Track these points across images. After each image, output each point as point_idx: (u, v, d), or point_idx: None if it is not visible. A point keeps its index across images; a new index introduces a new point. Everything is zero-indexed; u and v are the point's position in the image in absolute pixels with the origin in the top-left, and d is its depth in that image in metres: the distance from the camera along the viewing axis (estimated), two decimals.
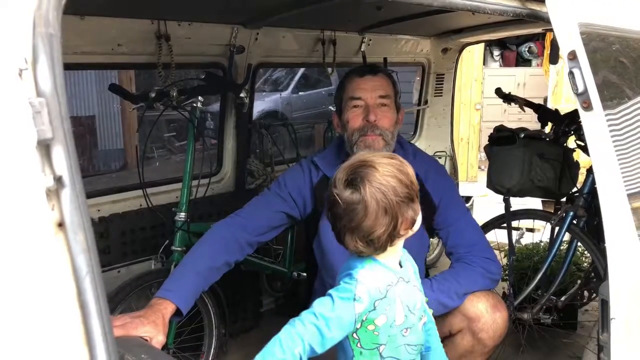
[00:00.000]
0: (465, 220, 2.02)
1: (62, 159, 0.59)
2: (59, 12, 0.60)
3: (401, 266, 1.37)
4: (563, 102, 6.54)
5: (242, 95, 2.69)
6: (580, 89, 1.42)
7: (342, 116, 2.03)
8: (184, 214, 2.48)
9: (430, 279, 1.83)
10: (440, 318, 1.84)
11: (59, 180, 0.59)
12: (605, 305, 1.46)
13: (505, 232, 2.96)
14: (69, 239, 0.59)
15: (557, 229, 2.73)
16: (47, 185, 0.59)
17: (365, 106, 1.95)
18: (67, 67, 3.57)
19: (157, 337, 1.52)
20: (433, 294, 1.75)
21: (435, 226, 2.03)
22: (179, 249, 2.44)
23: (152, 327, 1.53)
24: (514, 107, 3.13)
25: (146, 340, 1.50)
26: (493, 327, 1.81)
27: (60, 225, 0.60)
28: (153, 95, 2.38)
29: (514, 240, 3.01)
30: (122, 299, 2.28)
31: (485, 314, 1.81)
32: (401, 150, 2.06)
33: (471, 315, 1.81)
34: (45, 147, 0.59)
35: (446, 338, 1.89)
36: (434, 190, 2.01)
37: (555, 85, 6.94)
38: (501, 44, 8.95)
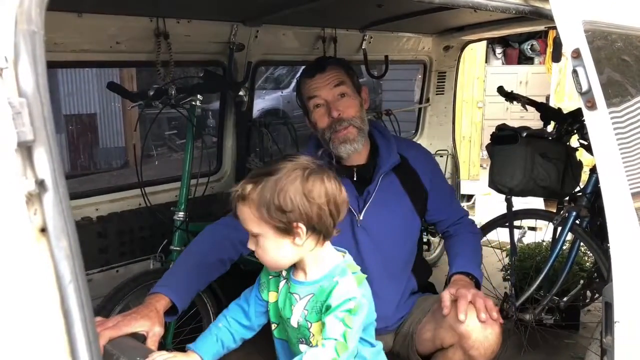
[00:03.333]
0: (454, 198, 2.26)
1: (45, 162, 0.57)
2: (42, 8, 0.58)
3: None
4: (566, 100, 6.51)
5: (241, 93, 2.66)
6: (584, 87, 1.39)
7: (309, 118, 2.04)
8: (182, 213, 2.46)
9: (470, 258, 2.00)
10: (432, 331, 1.86)
11: (41, 184, 0.57)
12: (609, 308, 1.43)
13: (507, 231, 2.93)
14: (51, 245, 0.57)
15: (559, 229, 2.70)
16: (29, 189, 0.56)
17: (326, 103, 1.95)
18: (65, 64, 3.56)
19: (153, 329, 1.49)
20: (478, 271, 1.93)
21: (431, 210, 2.12)
22: (177, 248, 2.42)
23: (145, 320, 1.49)
24: (517, 106, 3.10)
25: (143, 335, 1.48)
26: (484, 344, 1.74)
27: (43, 230, 0.57)
28: (152, 93, 2.36)
29: (515, 239, 2.98)
30: (120, 299, 2.26)
31: (476, 330, 1.73)
32: (381, 136, 2.08)
33: (462, 332, 1.73)
34: (26, 149, 0.56)
35: (438, 351, 1.87)
36: (424, 175, 2.08)
37: (558, 83, 6.91)
38: (504, 41, 8.91)
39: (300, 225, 1.28)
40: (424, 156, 2.17)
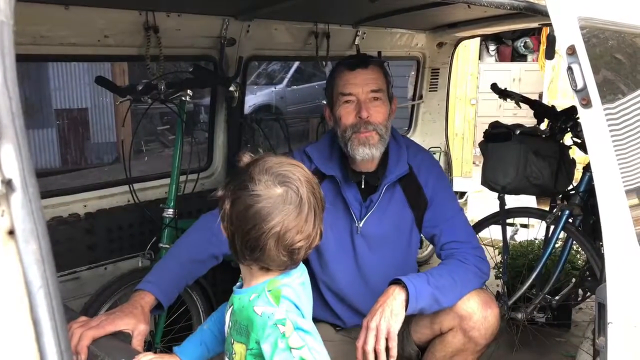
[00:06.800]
0: (459, 218, 1.99)
1: (12, 160, 0.53)
2: None
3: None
4: (559, 97, 6.52)
5: (232, 88, 2.62)
6: (580, 85, 1.37)
7: (333, 110, 1.96)
8: (171, 210, 2.43)
9: (425, 273, 1.77)
10: (430, 316, 1.82)
11: (8, 183, 0.53)
12: (602, 308, 1.41)
13: (499, 228, 2.92)
14: (20, 249, 0.54)
15: (552, 227, 2.69)
16: None
17: (357, 102, 1.88)
18: (52, 58, 3.50)
19: (138, 327, 1.46)
20: (429, 288, 1.69)
21: (426, 222, 1.99)
22: (166, 245, 2.39)
23: (130, 318, 1.47)
24: (510, 103, 3.09)
25: (129, 333, 1.45)
26: (485, 325, 1.77)
27: (11, 233, 0.54)
28: (140, 88, 2.32)
29: (508, 237, 2.97)
30: (108, 297, 2.23)
31: (477, 312, 1.77)
32: (394, 142, 2.01)
33: (462, 313, 1.77)
34: None
35: (437, 337, 1.86)
36: (426, 184, 1.99)
37: (551, 80, 6.92)
38: (497, 38, 8.93)
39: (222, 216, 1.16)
40: (428, 164, 2.05)
